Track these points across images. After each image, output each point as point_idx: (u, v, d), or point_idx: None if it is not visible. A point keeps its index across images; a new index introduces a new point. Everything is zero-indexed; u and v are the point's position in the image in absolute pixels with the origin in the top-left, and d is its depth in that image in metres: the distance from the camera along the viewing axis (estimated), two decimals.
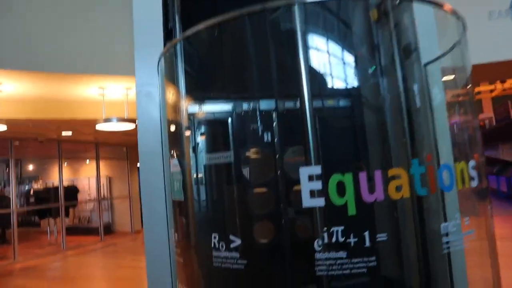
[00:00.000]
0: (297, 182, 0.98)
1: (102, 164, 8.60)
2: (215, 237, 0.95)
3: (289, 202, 1.08)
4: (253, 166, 1.27)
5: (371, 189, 0.81)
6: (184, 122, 1.25)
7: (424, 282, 1.05)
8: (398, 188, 0.82)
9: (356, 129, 1.04)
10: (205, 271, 1.04)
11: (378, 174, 0.82)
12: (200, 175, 1.15)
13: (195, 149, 1.22)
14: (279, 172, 1.21)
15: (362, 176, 0.82)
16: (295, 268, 1.00)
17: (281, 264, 1.03)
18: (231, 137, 1.32)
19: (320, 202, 0.81)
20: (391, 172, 0.83)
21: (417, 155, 0.99)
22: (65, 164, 9.90)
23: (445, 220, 1.00)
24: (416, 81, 1.20)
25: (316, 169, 0.83)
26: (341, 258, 0.81)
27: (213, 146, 1.27)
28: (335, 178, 0.81)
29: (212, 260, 0.96)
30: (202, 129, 1.34)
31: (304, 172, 0.84)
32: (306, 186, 0.82)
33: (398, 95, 1.11)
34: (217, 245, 0.95)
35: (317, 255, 0.81)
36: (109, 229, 8.83)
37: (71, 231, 8.31)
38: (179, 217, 1.14)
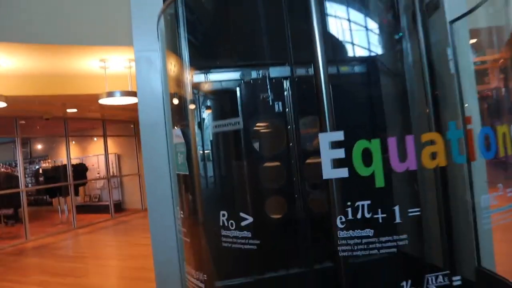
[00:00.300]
0: (314, 153, 0.88)
1: (110, 141, 8.60)
2: (223, 215, 0.87)
3: (305, 176, 0.98)
4: (264, 138, 1.18)
5: (402, 157, 0.71)
6: (189, 93, 1.16)
7: (449, 257, 0.96)
8: (433, 156, 0.72)
9: (383, 91, 0.93)
10: (214, 252, 0.96)
11: (410, 140, 0.72)
12: (206, 147, 1.05)
13: (200, 116, 1.12)
14: (292, 144, 1.12)
15: (392, 142, 0.71)
16: (313, 248, 0.92)
17: (297, 245, 0.95)
18: (239, 107, 1.22)
19: (343, 173, 0.72)
20: (425, 137, 0.73)
21: (453, 118, 0.88)
22: (73, 143, 9.95)
23: (473, 191, 0.90)
24: (448, 42, 1.07)
25: (338, 135, 0.73)
26: (368, 237, 0.71)
27: (220, 114, 1.17)
28: (360, 145, 0.71)
29: (221, 239, 0.88)
30: (208, 99, 1.24)
31: (324, 138, 0.74)
32: (326, 155, 0.72)
33: (427, 56, 0.99)
34: (226, 224, 0.87)
35: (340, 233, 0.72)
36: (119, 207, 8.92)
37: (82, 209, 8.42)
38: (184, 193, 1.06)
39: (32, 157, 11.17)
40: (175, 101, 1.22)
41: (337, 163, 0.72)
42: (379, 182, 0.71)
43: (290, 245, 1.01)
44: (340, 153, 0.72)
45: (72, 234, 5.67)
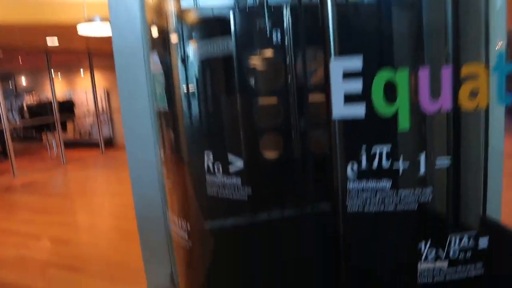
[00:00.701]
0: (317, 89, 0.73)
1: (98, 76, 8.27)
2: (208, 157, 0.73)
3: (308, 114, 0.84)
4: (258, 70, 1.01)
5: (435, 94, 0.56)
6: (171, 22, 0.97)
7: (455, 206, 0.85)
8: (473, 94, 0.57)
9: (411, 6, 0.75)
10: (199, 199, 0.84)
11: (446, 72, 0.57)
12: (190, 78, 0.89)
13: (184, 45, 0.94)
14: (290, 77, 0.95)
15: (424, 73, 0.56)
16: (314, 204, 0.80)
17: (294, 190, 0.82)
18: (232, 35, 1.04)
19: (359, 110, 0.57)
20: (466, 69, 0.58)
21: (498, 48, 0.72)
22: (59, 78, 9.60)
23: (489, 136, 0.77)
24: None
25: (355, 62, 0.57)
26: (383, 190, 0.59)
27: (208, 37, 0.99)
28: (382, 77, 0.56)
29: (205, 186, 0.75)
30: (195, 28, 1.05)
31: (337, 66, 0.58)
32: (339, 88, 0.57)
33: None
34: (211, 168, 0.74)
35: (350, 185, 0.59)
36: (110, 143, 8.84)
37: (73, 145, 8.32)
38: (165, 131, 0.91)
39: (17, 91, 10.84)
40: (154, 32, 1.04)
41: (352, 99, 0.57)
42: (403, 123, 0.57)
43: (285, 191, 0.89)
44: (357, 86, 0.57)
45: (61, 171, 5.61)
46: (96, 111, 8.07)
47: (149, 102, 1.11)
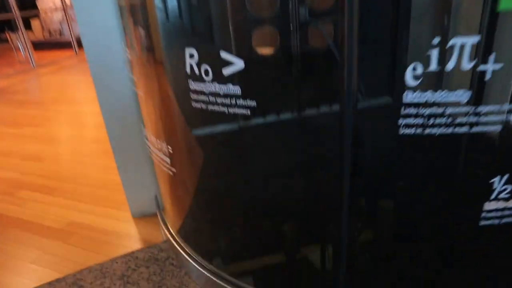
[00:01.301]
0: None
1: None
2: (191, 56, 0.54)
3: None
4: None
5: None
6: None
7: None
8: None
9: None
10: (181, 113, 0.67)
11: None
12: None
13: None
14: None
15: None
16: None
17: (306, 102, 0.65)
18: None
19: None
20: None
21: None
22: None
23: None
24: None
25: None
26: (457, 104, 0.42)
27: None
28: None
29: (189, 96, 0.58)
30: None
31: None
32: None
33: None
34: (196, 71, 0.55)
35: (408, 96, 0.42)
36: None
37: (42, 46, 7.84)
38: (129, 18, 0.70)
39: None
40: None
41: None
42: (506, 1, 0.37)
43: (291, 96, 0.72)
44: None
45: (32, 76, 5.31)
46: (62, 5, 7.44)
47: None
